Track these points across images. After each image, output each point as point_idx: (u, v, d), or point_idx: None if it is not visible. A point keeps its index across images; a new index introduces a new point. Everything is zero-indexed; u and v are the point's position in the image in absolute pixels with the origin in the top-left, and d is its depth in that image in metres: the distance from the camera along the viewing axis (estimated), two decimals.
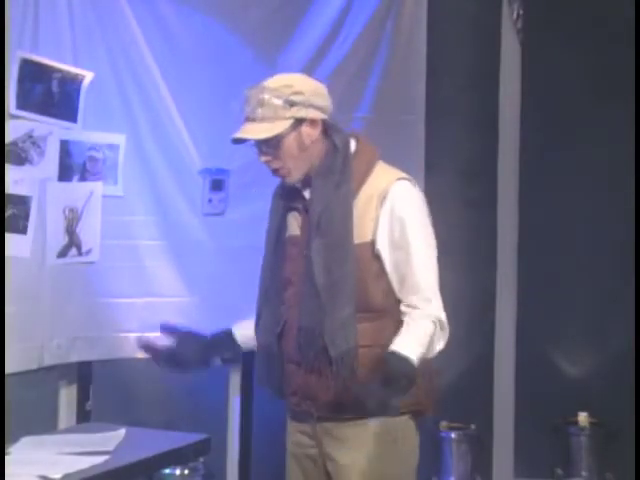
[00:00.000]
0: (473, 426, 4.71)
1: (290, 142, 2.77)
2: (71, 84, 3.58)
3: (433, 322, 2.74)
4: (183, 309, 3.94)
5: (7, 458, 2.84)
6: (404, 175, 2.87)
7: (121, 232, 3.78)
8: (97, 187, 3.69)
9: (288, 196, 2.90)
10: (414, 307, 2.76)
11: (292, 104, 2.75)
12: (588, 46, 4.77)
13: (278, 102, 2.74)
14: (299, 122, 2.77)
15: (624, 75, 4.63)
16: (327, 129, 2.84)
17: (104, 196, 3.71)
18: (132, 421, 3.54)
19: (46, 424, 3.66)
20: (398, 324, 2.76)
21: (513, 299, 4.95)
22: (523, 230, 4.95)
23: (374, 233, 2.77)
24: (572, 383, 4.82)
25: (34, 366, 3.55)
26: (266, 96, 2.74)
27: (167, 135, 3.87)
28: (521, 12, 4.90)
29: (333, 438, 2.84)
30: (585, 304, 4.81)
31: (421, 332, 2.72)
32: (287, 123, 2.76)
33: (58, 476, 2.75)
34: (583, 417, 4.70)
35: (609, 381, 4.68)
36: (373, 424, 2.78)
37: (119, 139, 3.75)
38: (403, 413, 2.78)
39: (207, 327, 3.97)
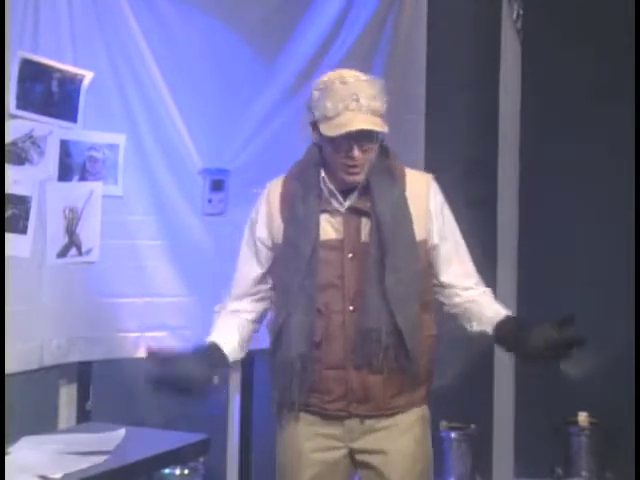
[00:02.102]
0: (473, 426, 4.71)
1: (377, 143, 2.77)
2: (71, 84, 3.58)
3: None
4: (183, 309, 3.94)
5: (7, 458, 2.84)
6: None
7: (121, 232, 3.78)
8: (97, 187, 3.69)
9: (319, 200, 2.80)
10: (476, 289, 2.95)
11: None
12: (588, 46, 4.76)
13: (385, 99, 2.75)
14: None
15: (624, 75, 4.63)
16: None
17: (104, 196, 3.71)
18: (132, 421, 3.54)
19: (46, 424, 3.66)
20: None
21: (513, 299, 4.94)
22: (523, 230, 4.95)
23: (428, 230, 2.84)
24: (572, 383, 4.81)
25: (34, 366, 3.55)
26: (379, 91, 2.74)
27: (167, 135, 3.87)
28: (521, 12, 4.90)
29: (378, 431, 2.82)
30: (585, 304, 4.79)
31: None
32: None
33: (58, 476, 2.76)
34: (583, 417, 4.70)
35: (609, 381, 4.67)
36: (417, 409, 2.86)
37: (119, 139, 3.75)
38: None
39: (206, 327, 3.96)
